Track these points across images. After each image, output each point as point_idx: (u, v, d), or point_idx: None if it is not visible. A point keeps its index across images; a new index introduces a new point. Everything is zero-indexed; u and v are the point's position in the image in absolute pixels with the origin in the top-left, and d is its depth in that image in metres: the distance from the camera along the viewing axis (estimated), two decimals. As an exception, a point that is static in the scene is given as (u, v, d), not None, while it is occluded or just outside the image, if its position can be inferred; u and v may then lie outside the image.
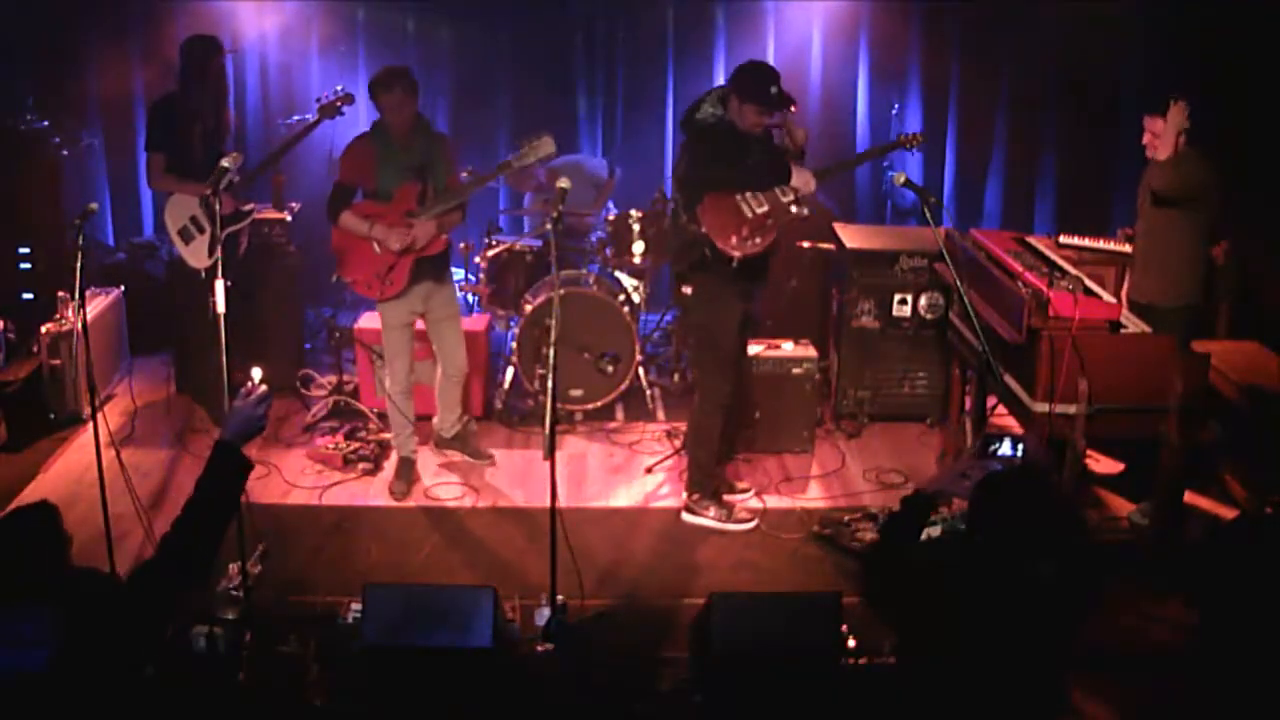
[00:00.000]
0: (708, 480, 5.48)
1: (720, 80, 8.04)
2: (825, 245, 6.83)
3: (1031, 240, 5.83)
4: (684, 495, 5.54)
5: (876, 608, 3.66)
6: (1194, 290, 5.42)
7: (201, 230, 5.94)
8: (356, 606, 4.46)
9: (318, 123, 6.17)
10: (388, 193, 5.34)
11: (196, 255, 5.96)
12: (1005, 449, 4.18)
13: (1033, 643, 3.21)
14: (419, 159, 5.36)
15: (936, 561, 3.41)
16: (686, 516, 5.48)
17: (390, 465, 5.94)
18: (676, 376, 6.99)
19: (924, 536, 4.24)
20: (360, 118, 7.86)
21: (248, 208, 6.18)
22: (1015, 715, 3.24)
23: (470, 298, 6.99)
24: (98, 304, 6.60)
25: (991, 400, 5.64)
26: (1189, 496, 5.36)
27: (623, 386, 6.51)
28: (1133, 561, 5.04)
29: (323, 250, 7.78)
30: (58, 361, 6.24)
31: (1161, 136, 5.31)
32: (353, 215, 5.35)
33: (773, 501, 5.71)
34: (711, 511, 5.44)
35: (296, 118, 6.98)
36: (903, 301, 6.36)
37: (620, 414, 6.65)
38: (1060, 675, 3.35)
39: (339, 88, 6.26)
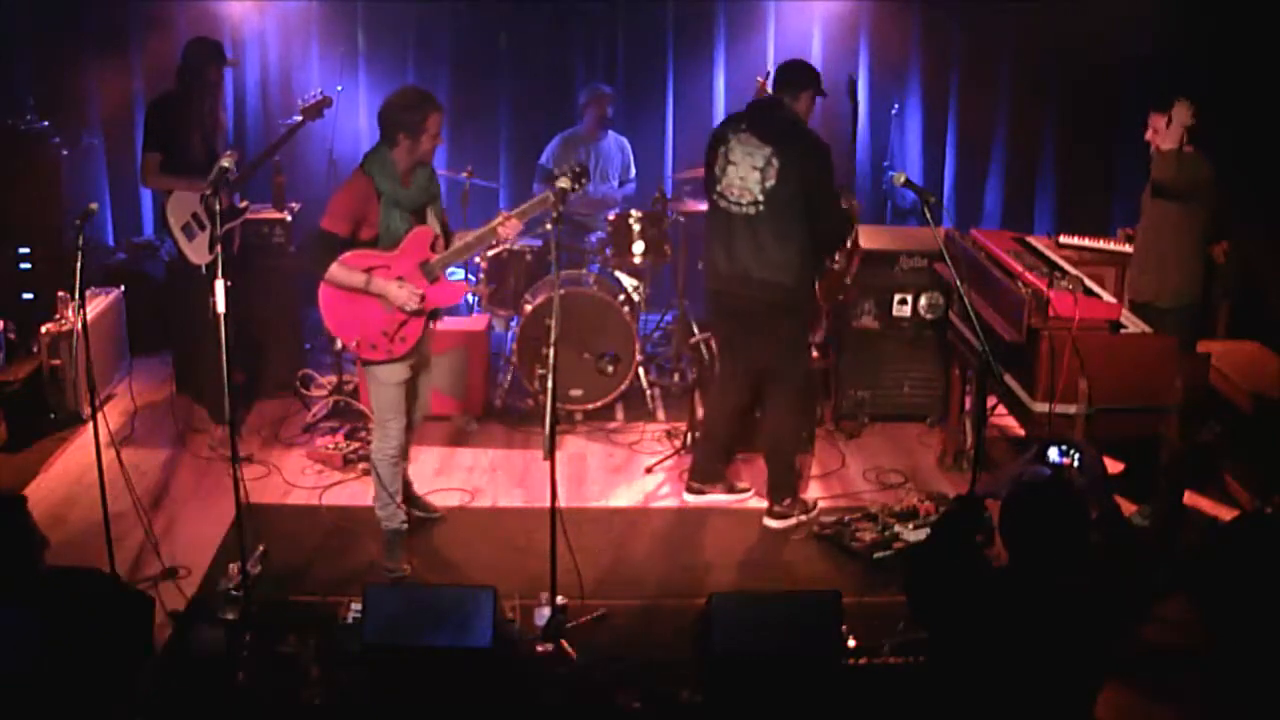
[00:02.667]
0: (795, 482, 5.58)
1: (721, 81, 8.06)
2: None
3: (1031, 240, 5.83)
4: (770, 503, 5.50)
5: (914, 607, 3.65)
6: (1191, 290, 5.43)
7: (203, 227, 5.94)
8: (356, 606, 4.46)
9: (300, 125, 6.18)
10: (395, 239, 4.71)
11: (198, 252, 5.97)
12: (1055, 455, 4.17)
13: (1062, 653, 3.20)
14: (421, 198, 4.79)
15: (975, 568, 3.41)
16: (772, 523, 5.47)
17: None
18: (677, 376, 6.99)
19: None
20: (360, 118, 7.91)
21: (242, 205, 6.19)
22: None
23: (470, 298, 6.99)
24: (98, 304, 6.60)
25: (991, 400, 5.64)
26: (1189, 496, 5.36)
27: (623, 386, 6.52)
28: (1133, 562, 5.04)
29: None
30: (58, 361, 6.24)
31: (1164, 131, 5.32)
32: (344, 268, 4.64)
33: (773, 501, 5.71)
34: (798, 510, 5.50)
35: (296, 118, 6.99)
36: (903, 301, 6.36)
37: (620, 414, 6.65)
38: (1089, 688, 3.34)
39: (317, 90, 6.27)
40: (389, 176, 4.69)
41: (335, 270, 4.65)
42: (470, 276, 7.04)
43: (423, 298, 4.75)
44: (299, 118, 6.17)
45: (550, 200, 4.64)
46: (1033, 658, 3.18)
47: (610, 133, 7.45)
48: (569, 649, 4.35)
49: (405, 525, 5.06)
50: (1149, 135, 5.40)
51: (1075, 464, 4.08)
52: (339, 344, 4.77)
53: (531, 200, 5.00)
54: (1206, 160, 5.33)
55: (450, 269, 5.26)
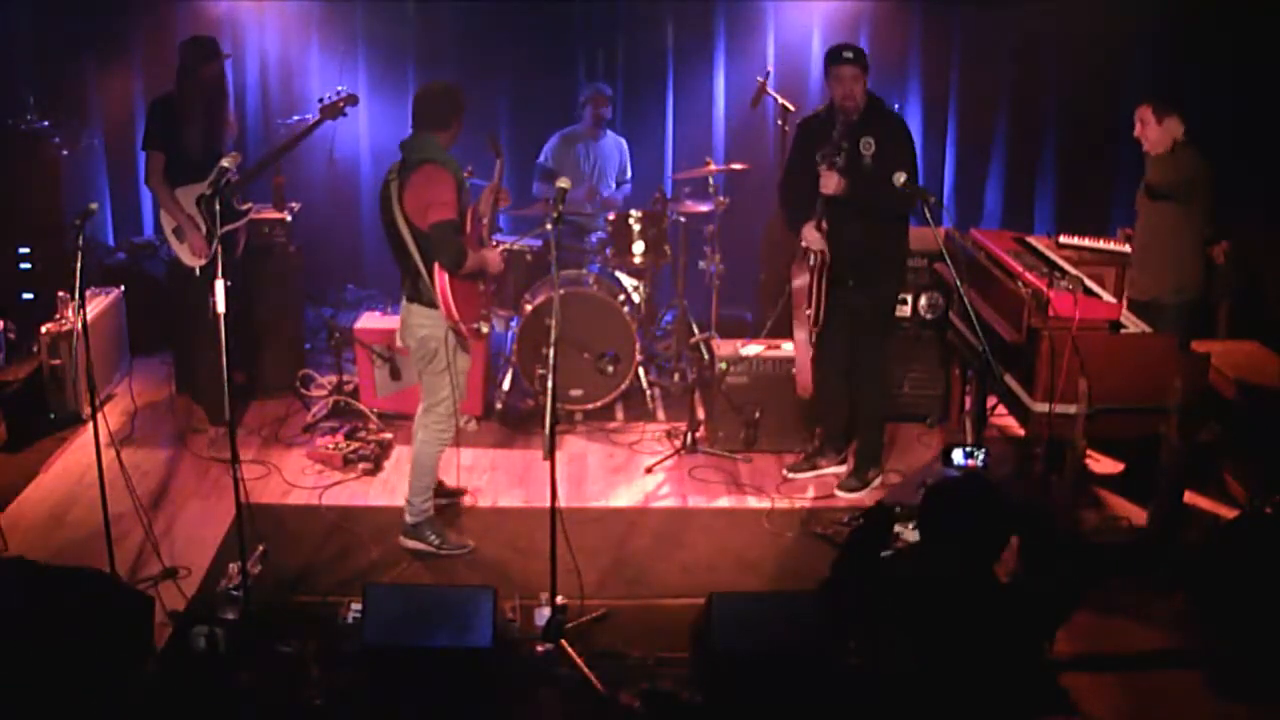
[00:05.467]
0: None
1: (721, 81, 8.06)
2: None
3: (1031, 240, 5.84)
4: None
5: (842, 621, 3.69)
6: (1192, 285, 5.43)
7: (199, 229, 5.93)
8: (356, 606, 4.47)
9: (318, 123, 6.15)
10: (464, 219, 4.96)
11: (192, 254, 5.96)
12: (959, 456, 4.36)
13: (997, 644, 3.23)
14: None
15: (897, 574, 3.45)
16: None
17: (390, 466, 5.96)
18: (676, 376, 6.99)
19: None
20: (360, 118, 7.91)
21: (245, 207, 6.18)
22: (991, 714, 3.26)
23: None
24: (98, 304, 6.59)
25: (991, 400, 5.64)
26: (1188, 496, 5.36)
27: (623, 386, 6.52)
28: (1133, 561, 5.04)
29: (323, 250, 7.87)
30: (58, 361, 6.24)
31: (1152, 131, 5.32)
32: (472, 254, 4.89)
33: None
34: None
35: (296, 118, 6.97)
36: (903, 301, 6.35)
37: (620, 414, 6.65)
38: (1038, 673, 3.38)
39: (341, 88, 6.24)
40: (451, 161, 4.89)
41: (471, 257, 4.84)
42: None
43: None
44: (315, 116, 6.14)
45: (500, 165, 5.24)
46: (966, 650, 3.20)
47: (609, 132, 7.45)
48: (569, 649, 4.35)
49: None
50: (1137, 130, 5.38)
51: (981, 464, 4.15)
52: (479, 330, 5.05)
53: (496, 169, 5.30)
54: (1200, 157, 5.33)
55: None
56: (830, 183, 5.28)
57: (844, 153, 5.29)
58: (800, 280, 5.45)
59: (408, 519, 5.17)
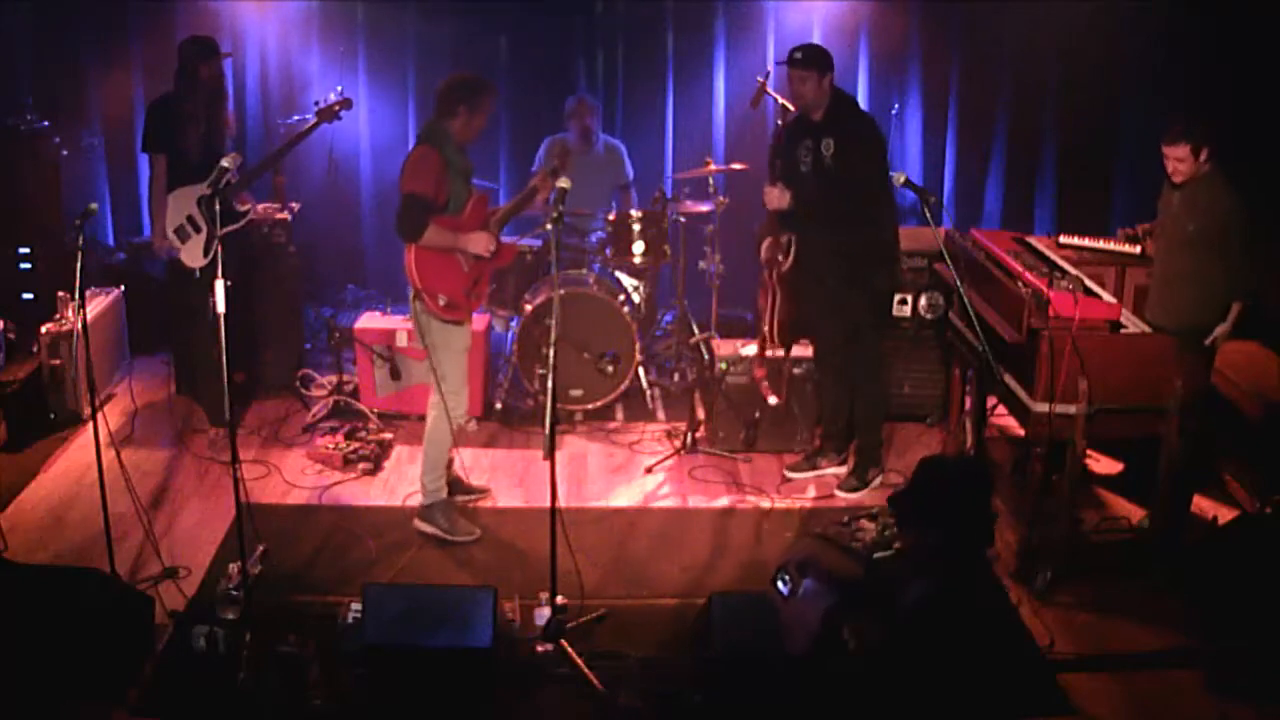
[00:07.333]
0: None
1: (721, 81, 8.05)
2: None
3: (1031, 240, 5.83)
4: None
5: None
6: (1216, 324, 5.25)
7: (198, 230, 5.93)
8: (356, 606, 4.47)
9: (315, 126, 6.14)
10: (460, 205, 5.10)
11: (192, 255, 5.95)
12: (781, 585, 4.38)
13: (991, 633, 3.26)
14: (470, 168, 5.20)
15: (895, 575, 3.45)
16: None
17: (390, 466, 5.96)
18: (676, 376, 6.99)
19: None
20: (359, 118, 7.91)
21: (245, 208, 6.16)
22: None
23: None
24: (98, 304, 6.60)
25: (991, 400, 5.64)
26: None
27: (623, 386, 6.52)
28: (1133, 561, 5.04)
29: (323, 250, 7.87)
30: (58, 361, 6.24)
31: (1188, 174, 5.15)
32: (436, 229, 5.00)
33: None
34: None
35: (296, 118, 6.97)
36: (903, 301, 6.35)
37: (620, 414, 6.65)
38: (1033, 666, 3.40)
39: (339, 88, 6.23)
40: (450, 147, 5.04)
41: (430, 233, 4.98)
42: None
43: (496, 245, 5.15)
44: (312, 118, 6.14)
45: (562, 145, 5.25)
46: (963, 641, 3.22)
47: (602, 139, 7.39)
48: (569, 649, 4.35)
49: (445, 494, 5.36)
50: (1170, 167, 5.17)
51: (794, 584, 4.25)
52: (438, 302, 5.11)
53: (550, 157, 5.38)
54: (1229, 187, 5.13)
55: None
56: (772, 198, 5.45)
57: (810, 154, 5.43)
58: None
59: (421, 499, 5.27)
